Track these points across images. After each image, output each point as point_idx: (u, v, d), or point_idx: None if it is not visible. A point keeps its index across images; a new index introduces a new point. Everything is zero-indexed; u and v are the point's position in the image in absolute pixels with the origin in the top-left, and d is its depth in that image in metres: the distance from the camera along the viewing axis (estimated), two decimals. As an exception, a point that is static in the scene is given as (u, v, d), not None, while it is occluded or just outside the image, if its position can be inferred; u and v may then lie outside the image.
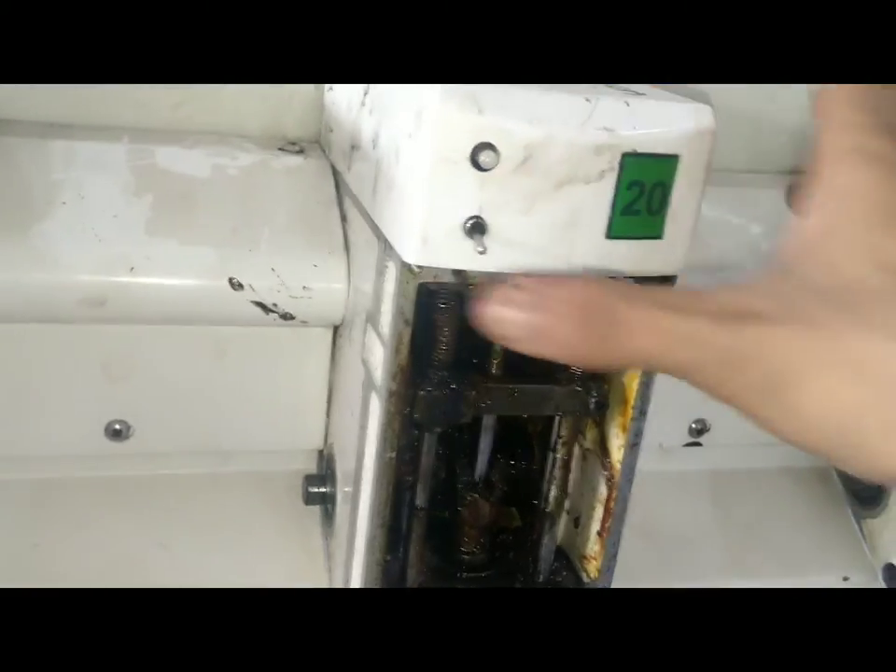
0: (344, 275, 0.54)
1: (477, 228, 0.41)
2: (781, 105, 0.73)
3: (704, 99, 0.45)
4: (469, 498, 0.53)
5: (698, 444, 0.69)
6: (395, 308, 0.44)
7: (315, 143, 0.62)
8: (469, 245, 0.41)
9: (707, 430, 0.69)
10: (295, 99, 0.61)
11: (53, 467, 0.57)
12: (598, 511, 0.52)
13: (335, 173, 0.58)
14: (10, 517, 0.56)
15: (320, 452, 0.61)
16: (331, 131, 0.58)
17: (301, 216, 0.55)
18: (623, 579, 0.62)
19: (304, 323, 0.55)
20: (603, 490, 0.52)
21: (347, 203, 0.55)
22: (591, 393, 0.50)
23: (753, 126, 0.74)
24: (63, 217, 0.51)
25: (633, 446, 0.50)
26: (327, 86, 0.60)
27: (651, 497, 0.67)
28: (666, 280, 0.46)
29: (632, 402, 0.49)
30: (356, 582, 0.50)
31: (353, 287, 0.53)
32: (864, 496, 0.71)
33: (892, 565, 0.68)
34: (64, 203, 0.52)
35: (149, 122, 0.59)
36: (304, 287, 0.53)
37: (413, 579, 0.51)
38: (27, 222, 0.51)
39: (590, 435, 0.53)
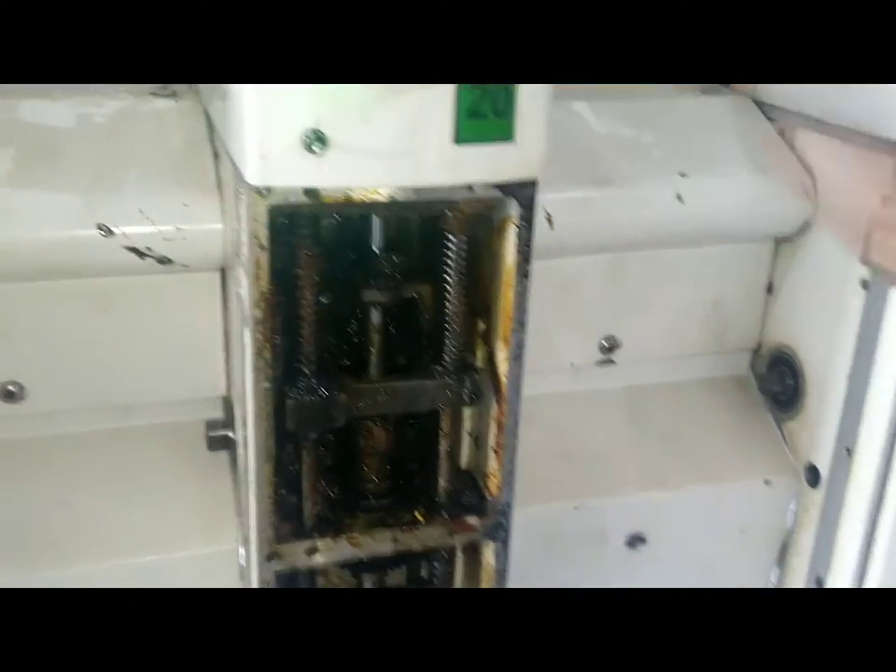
0: (218, 214, 0.53)
1: (317, 140, 0.41)
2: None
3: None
4: (364, 427, 0.53)
5: (611, 362, 0.69)
6: (249, 233, 0.43)
7: (191, 87, 0.61)
8: (311, 160, 0.41)
9: (619, 346, 0.69)
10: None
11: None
12: (493, 428, 0.52)
13: (207, 113, 0.57)
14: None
15: (225, 399, 0.61)
16: (200, 71, 0.57)
17: (171, 157, 0.54)
18: (541, 497, 0.63)
19: (186, 267, 0.54)
20: (495, 407, 0.51)
21: (218, 142, 0.54)
22: (464, 384, 0.50)
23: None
24: (-77, 178, 0.51)
25: (516, 358, 0.50)
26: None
27: (566, 418, 0.68)
28: (526, 185, 0.46)
29: (510, 314, 0.49)
30: (252, 519, 0.50)
31: (228, 225, 0.53)
32: (782, 399, 0.71)
33: (814, 465, 0.68)
34: (-77, 163, 0.51)
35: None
36: (177, 228, 0.52)
37: (308, 511, 0.51)
38: None
39: (480, 354, 0.53)
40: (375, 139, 0.41)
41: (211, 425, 0.58)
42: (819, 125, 0.66)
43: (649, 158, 0.65)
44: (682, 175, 0.64)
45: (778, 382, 0.71)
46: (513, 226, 0.47)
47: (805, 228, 0.67)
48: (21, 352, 0.55)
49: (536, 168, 0.45)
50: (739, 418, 0.72)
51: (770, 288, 0.71)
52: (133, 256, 0.52)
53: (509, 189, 0.46)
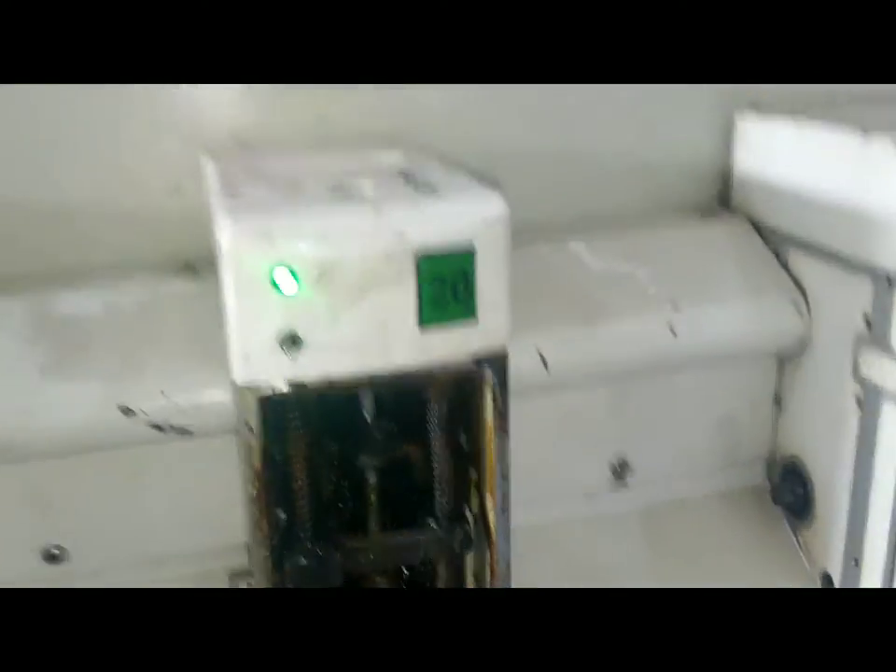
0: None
1: (293, 343, 0.45)
2: (670, 139, 0.76)
3: (494, 183, 0.48)
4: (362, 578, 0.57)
5: (624, 484, 0.71)
6: (240, 420, 0.48)
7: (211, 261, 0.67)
8: (289, 358, 0.46)
9: (630, 468, 0.71)
10: (188, 225, 0.66)
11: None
12: (488, 573, 0.55)
13: (223, 289, 0.63)
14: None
15: (247, 546, 0.65)
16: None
17: (191, 337, 0.60)
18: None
19: (204, 435, 0.59)
20: (487, 553, 0.55)
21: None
22: (454, 535, 0.54)
23: (643, 166, 0.77)
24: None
25: (503, 510, 0.53)
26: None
27: (579, 544, 0.70)
28: (496, 355, 0.50)
29: (493, 468, 0.52)
30: None
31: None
32: (795, 508, 0.72)
33: (828, 574, 0.69)
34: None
35: (48, 266, 0.65)
36: (194, 405, 0.58)
37: None
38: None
39: (474, 501, 0.56)
40: (346, 336, 0.46)
41: (233, 575, 0.62)
42: (810, 248, 0.69)
43: (642, 291, 0.68)
44: (674, 306, 0.67)
45: (790, 491, 0.72)
46: (489, 390, 0.51)
47: (802, 345, 0.69)
48: (62, 518, 0.61)
49: (502, 341, 0.49)
50: (756, 530, 0.73)
51: (778, 400, 0.73)
52: (154, 431, 0.57)
53: (480, 361, 0.49)
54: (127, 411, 0.57)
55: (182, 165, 0.65)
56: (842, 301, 0.65)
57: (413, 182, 0.51)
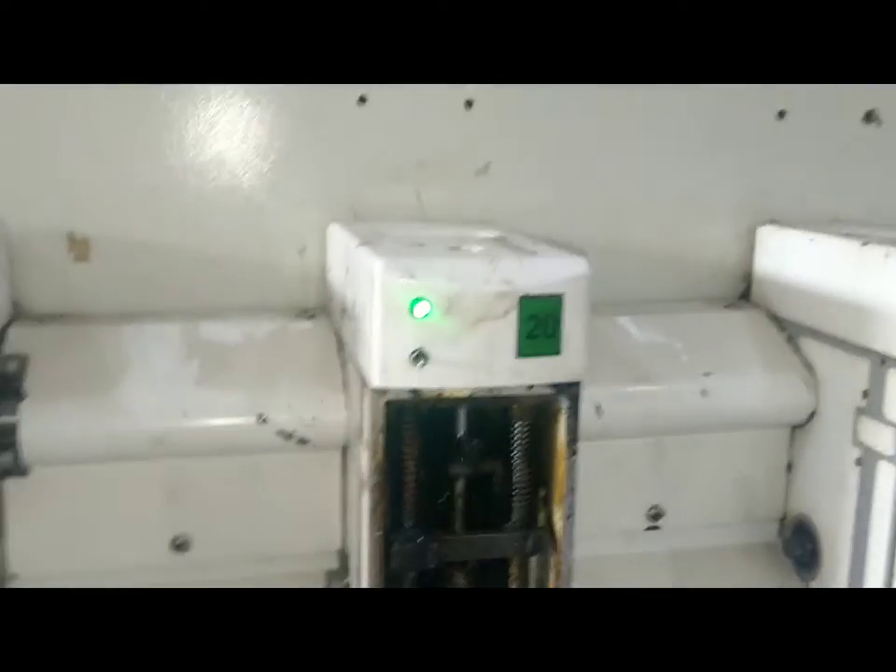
0: (342, 406, 0.71)
1: (420, 357, 0.58)
2: (703, 241, 0.91)
3: (580, 252, 0.62)
4: (447, 575, 0.68)
5: (657, 528, 0.83)
6: (370, 420, 0.61)
7: (323, 309, 0.80)
8: (416, 370, 0.59)
9: (663, 514, 0.83)
10: (308, 279, 0.80)
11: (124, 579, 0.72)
12: (553, 575, 0.67)
13: (336, 331, 0.76)
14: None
15: (340, 551, 0.77)
16: (331, 300, 0.77)
17: (312, 364, 0.73)
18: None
19: (317, 447, 0.72)
20: (553, 558, 0.66)
21: (346, 354, 0.73)
22: (528, 538, 0.66)
23: (682, 263, 0.91)
24: (133, 380, 0.70)
25: (568, 517, 0.65)
26: (328, 267, 0.79)
27: (616, 578, 0.81)
28: (571, 386, 0.63)
29: (563, 481, 0.65)
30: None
31: (351, 415, 0.71)
32: (804, 561, 0.83)
33: (832, 618, 0.80)
34: (134, 369, 0.71)
35: (195, 304, 0.79)
36: (313, 417, 0.70)
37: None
38: (106, 386, 0.69)
39: (541, 515, 0.68)
40: (461, 356, 0.59)
41: (331, 575, 0.74)
42: (817, 334, 0.82)
43: (679, 361, 0.81)
44: (706, 374, 0.80)
45: (799, 546, 0.84)
46: (564, 415, 0.64)
47: (811, 416, 0.82)
48: (190, 511, 0.73)
49: (578, 373, 0.62)
50: (769, 580, 0.84)
51: (790, 467, 0.86)
52: (280, 438, 0.70)
53: (559, 388, 0.62)
54: (263, 419, 0.69)
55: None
56: (844, 379, 0.78)
57: (510, 246, 0.66)
